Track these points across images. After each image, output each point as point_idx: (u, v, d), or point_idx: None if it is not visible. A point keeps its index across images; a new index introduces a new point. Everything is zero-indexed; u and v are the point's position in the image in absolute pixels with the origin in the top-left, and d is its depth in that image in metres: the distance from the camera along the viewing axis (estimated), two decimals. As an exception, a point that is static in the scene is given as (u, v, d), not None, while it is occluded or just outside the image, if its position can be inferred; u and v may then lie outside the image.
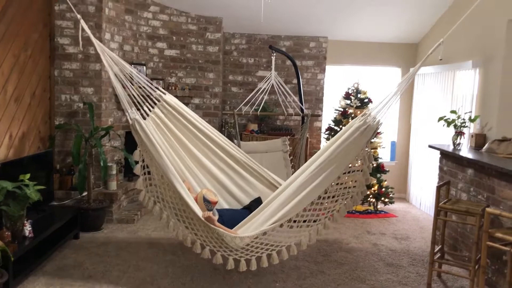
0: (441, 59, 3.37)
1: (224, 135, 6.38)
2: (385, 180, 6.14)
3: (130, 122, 3.36)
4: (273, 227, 3.33)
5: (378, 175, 6.09)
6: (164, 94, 3.81)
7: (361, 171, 3.46)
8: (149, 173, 3.53)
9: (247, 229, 3.47)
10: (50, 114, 5.05)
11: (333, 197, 3.47)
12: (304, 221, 3.46)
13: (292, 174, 5.33)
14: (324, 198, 3.44)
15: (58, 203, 4.85)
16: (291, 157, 5.47)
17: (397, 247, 4.69)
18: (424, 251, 4.58)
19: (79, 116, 5.13)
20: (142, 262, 4.02)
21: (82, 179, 4.62)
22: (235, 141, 5.37)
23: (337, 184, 3.47)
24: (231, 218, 3.67)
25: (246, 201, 4.07)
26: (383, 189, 6.04)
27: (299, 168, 5.45)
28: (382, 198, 6.05)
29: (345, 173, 3.45)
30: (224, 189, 4.09)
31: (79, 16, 3.22)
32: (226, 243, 3.24)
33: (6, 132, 4.13)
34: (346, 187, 3.49)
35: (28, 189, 3.39)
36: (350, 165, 3.46)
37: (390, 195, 6.11)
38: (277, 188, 4.02)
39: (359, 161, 3.46)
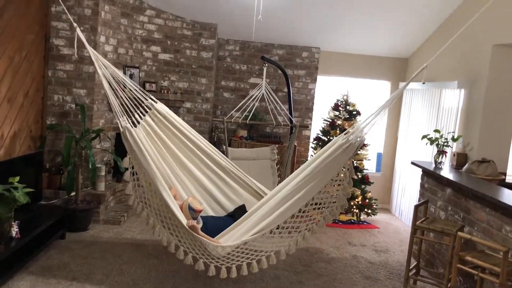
0: (424, 83, 3.49)
1: (214, 139, 6.56)
2: (369, 192, 6.28)
3: (121, 130, 3.48)
4: (255, 237, 3.47)
5: (363, 186, 6.23)
6: (156, 102, 3.94)
7: (341, 186, 3.60)
8: (138, 179, 3.70)
9: (230, 238, 3.61)
10: (42, 114, 5.11)
11: (316, 204, 3.63)
12: (285, 233, 3.60)
13: (279, 182, 5.51)
14: (304, 211, 3.59)
15: (46, 202, 4.91)
16: (278, 166, 5.59)
17: (376, 260, 4.83)
18: (401, 265, 4.71)
19: (71, 117, 5.20)
20: (126, 266, 4.11)
21: (71, 181, 4.71)
22: (224, 147, 5.48)
23: (318, 198, 3.62)
24: (214, 225, 3.80)
25: (231, 208, 4.20)
26: (367, 201, 6.18)
27: (285, 176, 5.63)
28: (366, 209, 6.18)
29: (326, 187, 3.61)
30: (210, 196, 4.23)
31: (75, 25, 3.33)
32: (208, 251, 3.37)
33: (-2, 132, 4.20)
34: (326, 202, 3.66)
35: (17, 192, 3.47)
36: (331, 181, 3.60)
37: (374, 206, 6.25)
38: (262, 196, 4.20)
39: (340, 178, 3.61)
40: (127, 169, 3.71)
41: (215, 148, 4.32)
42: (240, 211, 4.05)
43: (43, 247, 4.18)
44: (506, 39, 4.57)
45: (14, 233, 3.68)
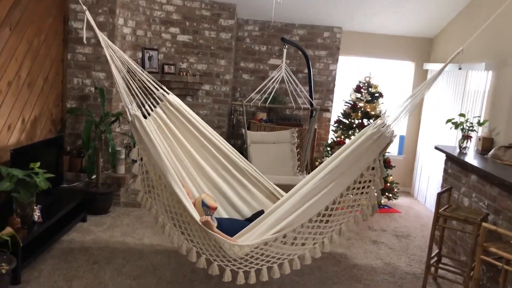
0: (460, 69, 3.31)
1: (233, 122, 6.52)
2: (391, 175, 6.18)
3: (130, 118, 3.22)
4: (276, 236, 3.12)
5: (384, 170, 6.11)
6: (168, 93, 3.69)
7: (373, 182, 3.23)
8: (147, 172, 3.37)
9: (248, 238, 3.27)
10: (62, 98, 5.14)
11: (342, 208, 3.26)
12: (310, 233, 3.25)
13: (298, 166, 5.46)
14: (332, 209, 3.22)
15: (67, 185, 4.98)
16: (298, 149, 5.53)
17: (397, 246, 4.77)
18: (423, 250, 4.65)
19: (90, 100, 5.22)
20: (146, 250, 4.15)
21: (91, 164, 4.75)
22: (243, 130, 5.43)
23: (346, 195, 3.24)
24: (230, 227, 3.44)
25: (247, 212, 3.86)
26: (388, 184, 6.08)
27: (305, 159, 5.57)
28: (387, 193, 6.10)
29: (355, 183, 3.21)
30: (225, 199, 3.89)
31: (84, 8, 3.09)
32: (224, 251, 3.06)
33: (19, 117, 4.24)
34: (355, 199, 3.28)
35: (37, 178, 3.50)
36: (361, 176, 3.21)
37: (395, 190, 6.16)
38: (279, 199, 3.72)
39: (370, 174, 3.22)
40: (135, 161, 3.43)
41: (231, 146, 4.00)
42: (259, 216, 3.57)
43: (65, 230, 4.26)
44: (538, 19, 4.36)
45: (36, 218, 3.74)
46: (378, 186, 3.25)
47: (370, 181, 3.23)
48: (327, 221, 3.25)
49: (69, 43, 5.10)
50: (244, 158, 4.04)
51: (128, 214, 5.01)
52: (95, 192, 4.85)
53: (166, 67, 6.02)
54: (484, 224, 3.13)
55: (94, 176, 4.92)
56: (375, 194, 3.28)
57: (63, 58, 5.09)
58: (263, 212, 3.68)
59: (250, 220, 3.64)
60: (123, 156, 5.30)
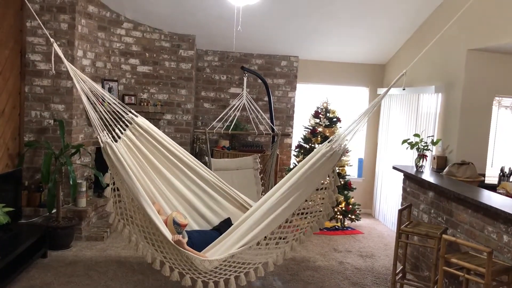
0: (404, 89, 3.54)
1: (195, 151, 6.52)
2: (352, 197, 6.32)
3: (102, 145, 3.36)
4: (242, 250, 3.44)
5: (346, 192, 6.27)
6: (136, 116, 3.82)
7: (327, 193, 3.60)
8: (119, 195, 3.55)
9: (216, 251, 3.56)
10: (20, 131, 5.01)
11: (302, 214, 3.64)
12: (273, 240, 3.59)
13: (263, 191, 5.51)
14: (291, 221, 3.59)
15: (26, 221, 4.80)
16: (261, 175, 5.59)
17: (362, 265, 4.85)
18: (387, 269, 4.75)
19: (49, 133, 5.11)
20: (111, 283, 4.04)
21: (52, 198, 4.61)
22: (206, 158, 5.45)
23: (304, 207, 3.62)
24: (200, 240, 3.74)
25: (216, 221, 4.14)
26: (350, 206, 6.22)
27: (269, 185, 5.63)
28: (349, 215, 6.22)
29: (312, 196, 3.62)
30: (194, 210, 4.14)
31: (52, 40, 3.21)
32: (195, 266, 3.31)
33: (-26, 151, 4.10)
34: (314, 205, 3.66)
35: (-4, 212, 3.38)
36: (317, 190, 3.61)
37: (357, 212, 6.29)
38: (246, 208, 4.13)
39: (324, 188, 3.62)
40: (108, 185, 3.54)
41: (198, 161, 4.23)
42: (226, 224, 4.01)
43: (24, 267, 4.08)
44: (480, 43, 4.69)
45: (-6, 254, 3.58)
46: (332, 197, 3.61)
47: (324, 193, 3.62)
48: (287, 232, 3.64)
49: (27, 75, 5.02)
50: (211, 172, 4.31)
51: (90, 248, 4.87)
52: (56, 226, 4.70)
53: (126, 97, 6.01)
54: (444, 236, 3.27)
55: (54, 210, 4.77)
56: (329, 204, 3.64)
57: (20, 91, 4.99)
58: (229, 220, 4.05)
59: (218, 229, 3.95)
60: (84, 189, 5.19)
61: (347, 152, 6.30)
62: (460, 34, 4.97)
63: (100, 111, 3.43)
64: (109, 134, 3.44)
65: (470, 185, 4.15)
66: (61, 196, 4.91)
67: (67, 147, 4.85)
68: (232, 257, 3.44)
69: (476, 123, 4.93)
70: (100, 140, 3.36)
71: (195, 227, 4.09)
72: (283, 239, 3.62)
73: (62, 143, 4.84)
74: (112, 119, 3.56)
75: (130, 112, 3.77)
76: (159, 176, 4.00)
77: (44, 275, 4.11)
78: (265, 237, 3.52)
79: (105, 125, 3.46)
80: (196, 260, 3.27)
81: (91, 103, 3.36)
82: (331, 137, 3.61)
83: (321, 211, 3.67)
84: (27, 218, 4.85)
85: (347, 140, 3.49)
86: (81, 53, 5.24)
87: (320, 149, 3.56)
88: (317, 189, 3.60)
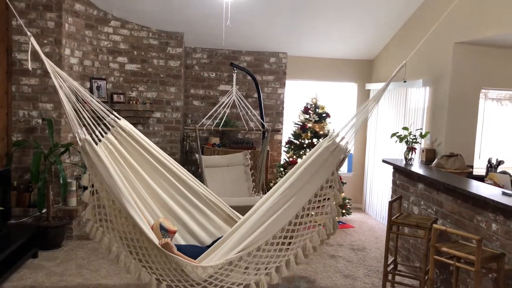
0: (405, 81, 3.54)
1: (186, 148, 6.51)
2: (343, 192, 6.35)
3: (80, 143, 3.08)
4: (241, 255, 3.10)
5: (336, 187, 6.29)
6: (119, 119, 3.55)
7: (332, 195, 3.31)
8: (98, 199, 3.20)
9: (211, 259, 3.20)
10: (7, 131, 4.96)
11: (305, 223, 3.28)
12: (275, 250, 3.22)
13: (253, 187, 5.52)
14: (295, 223, 3.25)
15: (16, 221, 4.76)
16: (252, 171, 5.60)
17: (354, 258, 4.89)
18: (379, 261, 4.79)
19: (38, 132, 5.07)
20: (104, 280, 4.02)
21: (42, 197, 4.58)
22: (197, 155, 5.45)
23: (308, 208, 3.27)
24: (191, 251, 3.33)
25: (207, 240, 3.72)
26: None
27: (260, 181, 5.65)
28: (340, 210, 6.24)
29: (316, 197, 3.27)
30: (182, 226, 3.72)
31: (29, 34, 2.97)
32: (186, 275, 2.99)
33: (-38, 151, 4.06)
34: (317, 213, 3.32)
35: (-14, 211, 3.35)
36: (321, 189, 3.28)
37: (348, 206, 6.34)
38: (236, 222, 3.67)
39: (328, 187, 3.30)
40: (86, 188, 3.20)
41: (185, 170, 3.89)
42: None
43: (15, 267, 4.05)
44: (466, 36, 4.75)
45: (-16, 255, 3.55)
46: (338, 198, 3.32)
47: (329, 193, 3.30)
48: (292, 236, 3.24)
49: (14, 74, 4.97)
50: (200, 182, 3.97)
51: (82, 247, 4.84)
52: (46, 226, 4.67)
53: (115, 96, 5.98)
54: (434, 225, 3.31)
55: (44, 210, 4.73)
56: (336, 207, 3.34)
57: (7, 90, 4.94)
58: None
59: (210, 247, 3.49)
60: (74, 188, 5.15)
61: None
62: (446, 28, 5.02)
63: (78, 109, 3.14)
64: (89, 135, 3.15)
65: (458, 176, 4.21)
66: (51, 196, 4.87)
67: (56, 146, 4.81)
68: (230, 264, 3.07)
69: (464, 116, 5.00)
70: (77, 138, 3.08)
71: (183, 243, 3.67)
72: (287, 245, 3.23)
73: (51, 142, 4.80)
74: (93, 120, 3.24)
75: (112, 113, 3.50)
76: (143, 184, 3.62)
77: (36, 275, 4.07)
78: (266, 242, 3.17)
79: (84, 125, 3.17)
80: (187, 266, 2.96)
81: (69, 101, 3.09)
82: (330, 132, 3.37)
83: (327, 213, 3.33)
84: (17, 219, 4.80)
85: (350, 135, 3.29)
86: (69, 51, 5.20)
87: (322, 144, 3.32)
88: (321, 189, 3.27)
